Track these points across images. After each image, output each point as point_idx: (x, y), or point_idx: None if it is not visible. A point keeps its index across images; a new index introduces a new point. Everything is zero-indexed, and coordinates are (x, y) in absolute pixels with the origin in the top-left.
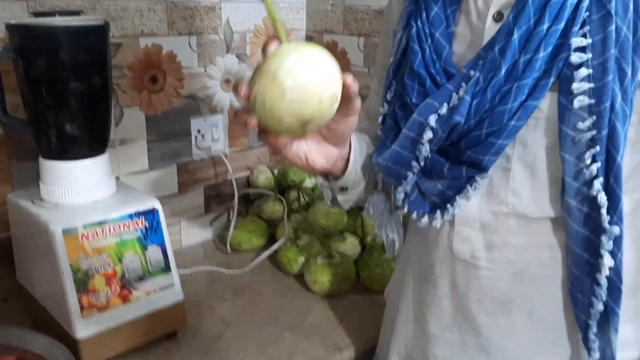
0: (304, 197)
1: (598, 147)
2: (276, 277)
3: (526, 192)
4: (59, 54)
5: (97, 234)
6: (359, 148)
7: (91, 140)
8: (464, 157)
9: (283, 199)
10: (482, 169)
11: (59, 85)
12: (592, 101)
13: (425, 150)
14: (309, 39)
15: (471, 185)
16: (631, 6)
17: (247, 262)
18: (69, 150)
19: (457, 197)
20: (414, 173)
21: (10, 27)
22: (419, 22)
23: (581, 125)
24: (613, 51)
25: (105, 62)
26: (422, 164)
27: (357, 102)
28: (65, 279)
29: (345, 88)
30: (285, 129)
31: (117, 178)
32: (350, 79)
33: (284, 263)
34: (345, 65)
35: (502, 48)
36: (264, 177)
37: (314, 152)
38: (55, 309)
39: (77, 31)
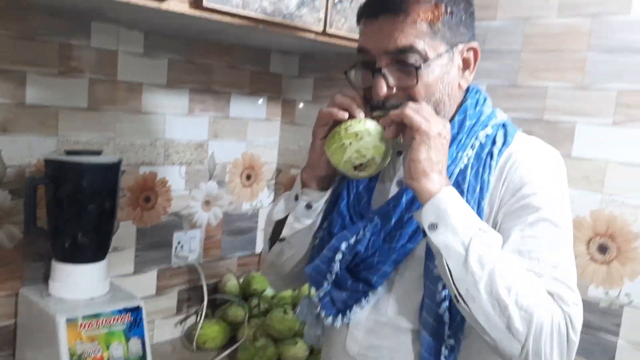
0: (263, 304)
1: None
2: None
3: (400, 307)
4: (82, 182)
5: (92, 325)
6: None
7: (96, 248)
8: (361, 276)
9: (245, 305)
10: (372, 286)
11: (78, 206)
12: None
13: (336, 266)
14: (278, 171)
15: (365, 298)
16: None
17: None
18: (78, 255)
19: (354, 306)
20: (328, 283)
21: (47, 161)
22: None
23: (438, 262)
24: None
25: (116, 189)
26: (334, 276)
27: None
28: None
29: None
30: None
31: None
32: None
33: None
34: None
35: (394, 205)
36: (230, 284)
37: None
38: None
39: (98, 167)
